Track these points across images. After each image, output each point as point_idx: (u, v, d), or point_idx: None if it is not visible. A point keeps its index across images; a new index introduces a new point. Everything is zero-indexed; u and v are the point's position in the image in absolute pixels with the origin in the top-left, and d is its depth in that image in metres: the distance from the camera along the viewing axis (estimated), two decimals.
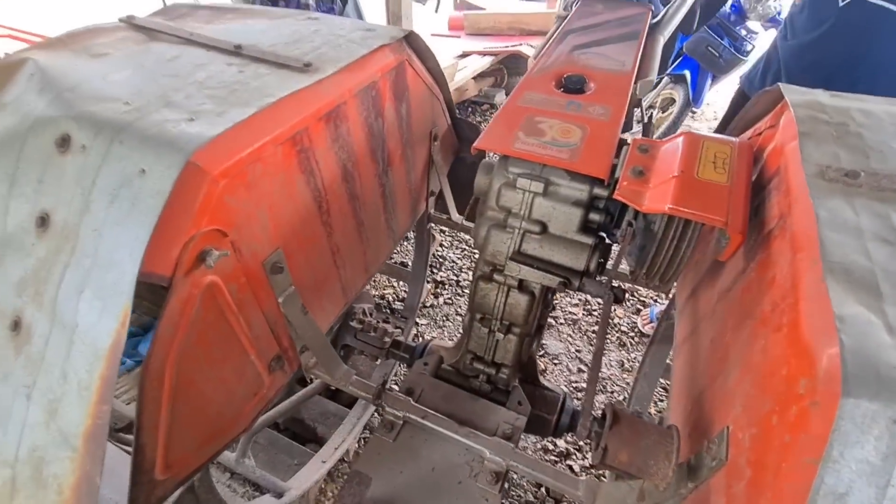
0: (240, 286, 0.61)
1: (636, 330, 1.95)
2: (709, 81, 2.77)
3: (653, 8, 1.09)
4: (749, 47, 2.56)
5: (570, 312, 2.00)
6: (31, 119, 0.54)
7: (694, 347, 0.72)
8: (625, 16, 1.03)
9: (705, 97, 2.91)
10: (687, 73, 2.78)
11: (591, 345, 1.86)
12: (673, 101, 2.97)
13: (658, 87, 2.94)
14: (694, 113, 3.01)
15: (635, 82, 0.90)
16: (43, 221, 0.52)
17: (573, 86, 0.82)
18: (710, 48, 2.49)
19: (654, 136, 3.07)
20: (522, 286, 0.76)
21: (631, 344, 1.89)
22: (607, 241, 0.74)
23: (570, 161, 0.67)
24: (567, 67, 0.87)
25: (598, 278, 0.73)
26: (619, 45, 0.93)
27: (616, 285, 0.71)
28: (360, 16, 1.87)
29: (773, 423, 0.36)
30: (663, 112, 3.14)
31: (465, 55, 3.59)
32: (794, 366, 0.35)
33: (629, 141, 0.72)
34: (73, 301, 0.49)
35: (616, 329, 1.94)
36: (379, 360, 1.33)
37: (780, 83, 0.63)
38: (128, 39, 0.69)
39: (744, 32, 2.59)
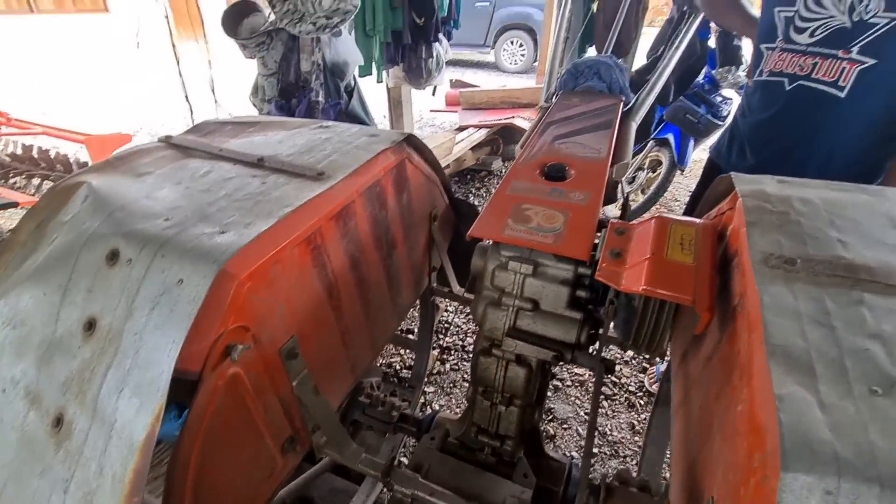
0: (258, 374, 0.67)
1: (644, 389, 1.94)
2: (691, 143, 2.94)
3: (624, 98, 1.23)
4: (725, 112, 2.75)
5: (577, 374, 2.01)
6: (85, 236, 0.63)
7: (687, 413, 0.76)
8: (599, 107, 1.16)
9: (691, 157, 3.07)
10: (670, 137, 2.96)
11: (601, 407, 1.85)
12: (660, 162, 3.14)
13: (644, 150, 3.12)
14: (682, 170, 3.16)
15: (611, 166, 1.00)
16: (90, 326, 0.59)
17: (555, 174, 0.92)
18: (688, 115, 2.67)
19: (647, 195, 3.21)
20: (520, 359, 0.81)
21: (640, 405, 1.87)
22: (595, 315, 0.80)
23: (555, 245, 0.75)
24: (549, 157, 0.97)
25: (590, 350, 0.79)
26: (596, 133, 1.05)
27: (605, 357, 0.76)
28: (364, 107, 2.06)
29: (741, 494, 0.40)
30: (653, 172, 3.30)
31: (462, 128, 3.85)
32: (751, 441, 0.40)
33: (608, 222, 0.80)
34: (114, 398, 0.55)
35: (623, 389, 1.93)
36: (387, 435, 1.34)
37: (731, 173, 0.72)
38: (166, 158, 0.81)
39: (719, 99, 2.79)
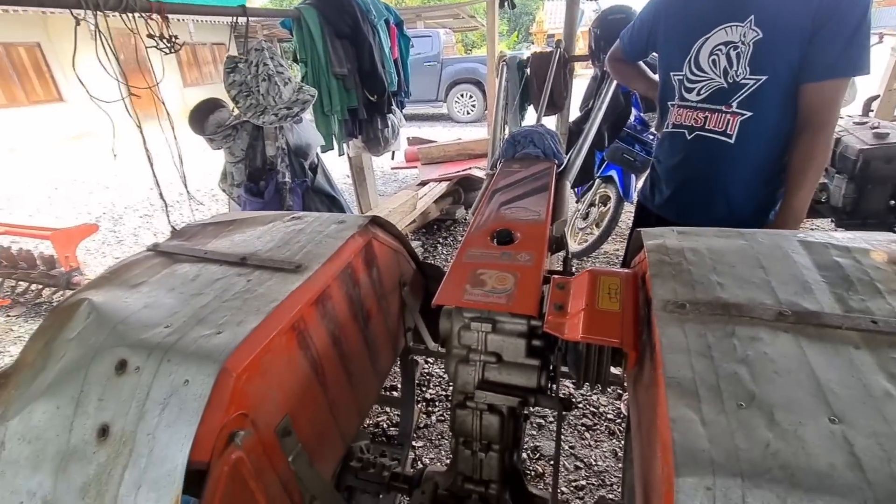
0: (258, 455, 0.74)
1: (622, 416, 2.04)
2: (633, 178, 3.21)
3: (556, 161, 1.41)
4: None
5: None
6: (93, 350, 0.71)
7: (640, 437, 0.87)
8: (536, 171, 1.34)
9: (635, 190, 3.35)
10: (614, 174, 3.23)
11: (583, 439, 1.94)
12: (609, 197, 3.40)
13: (593, 188, 3.38)
14: (630, 202, 3.43)
15: (551, 224, 1.15)
16: (103, 432, 0.66)
17: (503, 239, 1.06)
18: (625, 155, 2.95)
19: (602, 228, 3.44)
20: (492, 408, 0.92)
21: (619, 431, 1.97)
22: (550, 360, 0.92)
23: (507, 304, 0.87)
24: (497, 223, 1.12)
25: (551, 393, 0.90)
26: (535, 197, 1.21)
27: (564, 396, 0.87)
28: (329, 181, 2.20)
29: (660, 500, 0.51)
30: (604, 206, 3.56)
31: (424, 183, 4.05)
32: (661, 456, 0.52)
33: (551, 278, 0.93)
34: (132, 496, 0.61)
35: (602, 418, 2.03)
36: (381, 495, 1.38)
37: (640, 229, 0.88)
38: (156, 266, 0.90)
39: (650, 138, 3.10)
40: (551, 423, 2.03)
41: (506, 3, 5.39)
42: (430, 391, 2.27)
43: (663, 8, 1.37)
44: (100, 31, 1.29)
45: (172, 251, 0.95)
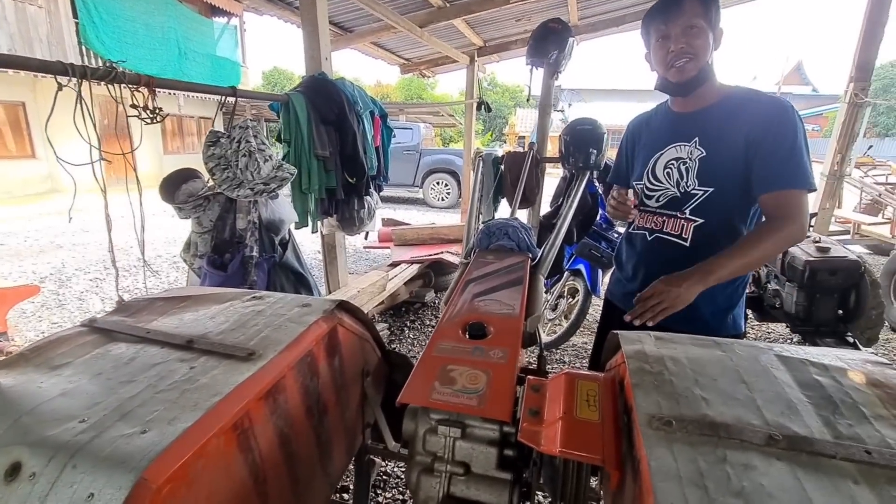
0: None
1: None
2: (600, 273, 3.30)
3: (530, 254, 1.43)
4: None
5: None
6: None
7: None
8: (510, 264, 1.33)
9: (601, 285, 3.42)
10: (582, 268, 3.32)
11: None
12: (577, 290, 3.46)
13: (562, 280, 3.45)
14: (598, 296, 3.49)
15: (525, 319, 1.12)
16: None
17: (476, 332, 1.01)
18: (592, 251, 3.06)
19: (571, 320, 3.45)
20: None
21: None
22: (524, 475, 0.83)
23: (479, 407, 0.80)
24: (470, 315, 1.08)
25: None
26: (509, 290, 1.19)
27: None
28: (298, 258, 2.15)
29: None
30: (572, 298, 3.61)
31: (395, 264, 4.03)
32: None
33: (526, 378, 0.88)
34: None
35: None
36: None
37: (617, 332, 0.85)
38: (88, 344, 0.80)
39: (615, 236, 3.25)
40: None
41: (482, 107, 5.90)
42: (385, 494, 2.04)
43: (631, 132, 1.53)
44: (81, 97, 1.28)
45: (111, 328, 0.85)
